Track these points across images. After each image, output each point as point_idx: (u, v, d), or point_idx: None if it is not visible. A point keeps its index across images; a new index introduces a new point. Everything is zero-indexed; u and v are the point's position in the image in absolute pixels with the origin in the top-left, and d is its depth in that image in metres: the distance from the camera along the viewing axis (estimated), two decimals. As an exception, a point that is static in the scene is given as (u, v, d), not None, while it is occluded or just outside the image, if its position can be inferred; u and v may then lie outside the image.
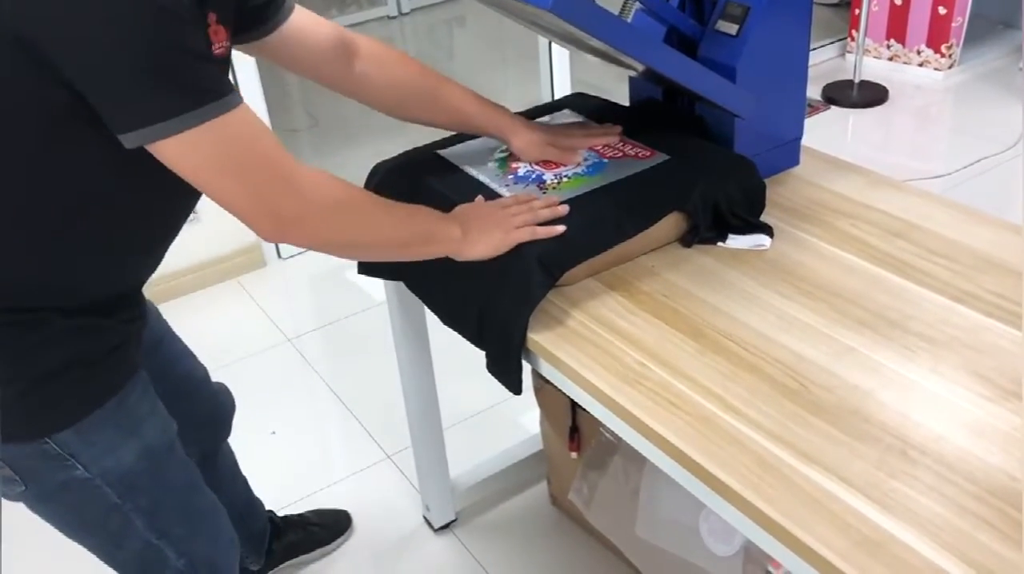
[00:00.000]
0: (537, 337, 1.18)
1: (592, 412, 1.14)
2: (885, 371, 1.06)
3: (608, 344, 1.16)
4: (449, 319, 1.34)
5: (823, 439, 0.98)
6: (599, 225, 1.25)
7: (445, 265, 1.32)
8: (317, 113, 4.09)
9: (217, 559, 1.33)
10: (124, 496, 1.17)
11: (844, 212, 1.39)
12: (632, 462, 1.54)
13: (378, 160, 1.50)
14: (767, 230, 1.34)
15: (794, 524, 0.89)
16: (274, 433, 2.18)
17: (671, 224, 1.32)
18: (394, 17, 4.99)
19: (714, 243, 1.33)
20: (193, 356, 1.50)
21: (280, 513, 1.86)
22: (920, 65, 3.71)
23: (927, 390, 1.04)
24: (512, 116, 1.44)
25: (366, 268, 1.51)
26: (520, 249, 1.20)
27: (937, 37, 3.61)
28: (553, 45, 3.35)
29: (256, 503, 1.76)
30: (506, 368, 1.23)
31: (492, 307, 1.23)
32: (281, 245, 2.90)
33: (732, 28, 1.37)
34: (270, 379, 2.38)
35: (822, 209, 1.40)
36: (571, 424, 1.65)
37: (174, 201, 1.15)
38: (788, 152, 1.51)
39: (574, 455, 1.66)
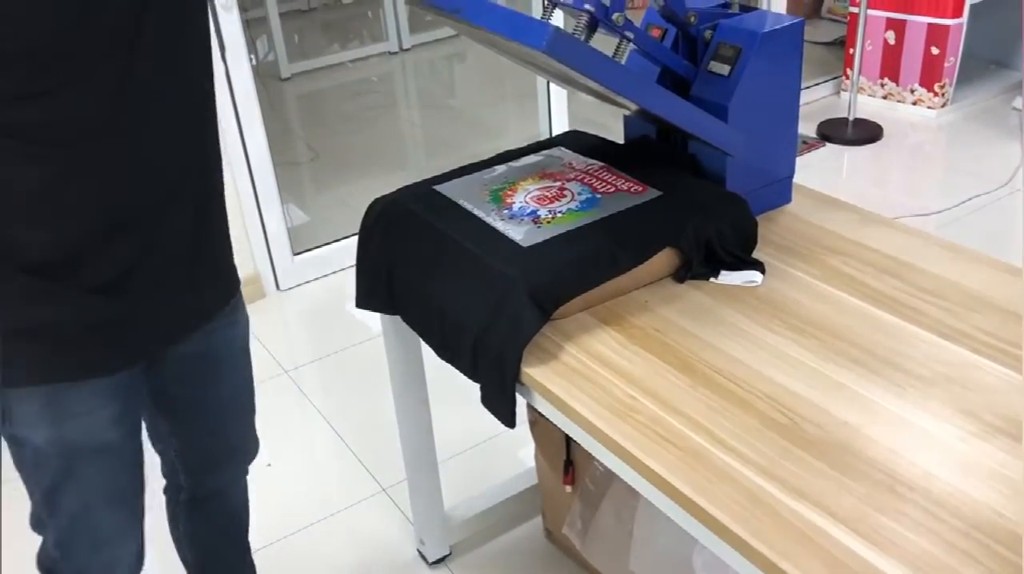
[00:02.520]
0: (531, 370, 1.20)
1: (584, 445, 1.15)
2: (875, 407, 1.08)
3: (600, 378, 1.17)
4: (444, 352, 1.35)
5: (812, 474, 0.99)
6: (593, 260, 1.27)
7: (441, 299, 1.34)
8: (318, 146, 4.13)
9: (89, 572, 1.27)
10: (33, 466, 1.17)
11: (836, 249, 1.41)
12: (626, 496, 1.55)
13: (378, 193, 1.52)
14: (759, 266, 1.35)
15: (783, 559, 0.90)
16: (270, 465, 2.18)
17: (664, 260, 1.34)
18: (395, 53, 5.06)
19: (706, 279, 1.35)
20: (244, 432, 1.43)
21: (275, 545, 1.85)
22: (914, 103, 3.75)
23: (916, 426, 1.05)
24: None
25: (364, 302, 1.53)
26: (514, 283, 1.22)
27: (930, 76, 3.66)
28: (551, 84, 3.39)
29: None
30: (500, 401, 1.24)
31: (486, 341, 1.24)
32: (280, 277, 2.92)
33: (724, 69, 1.40)
34: (266, 411, 2.36)
35: (814, 246, 1.42)
36: (565, 458, 1.66)
37: (77, 145, 1.02)
38: (780, 190, 1.53)
39: (568, 489, 1.66)
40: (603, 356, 1.21)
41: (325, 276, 2.97)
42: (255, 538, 1.94)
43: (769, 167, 1.49)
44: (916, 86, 3.72)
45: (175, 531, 1.55)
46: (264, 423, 2.35)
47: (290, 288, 2.93)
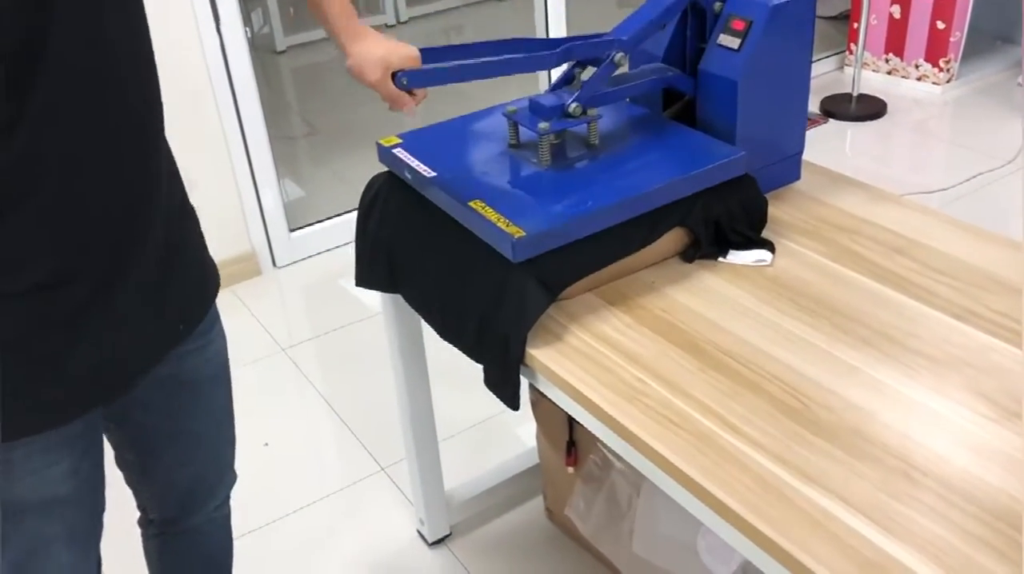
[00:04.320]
0: (536, 352, 1.17)
1: (590, 429, 1.13)
2: (887, 390, 1.05)
3: (607, 360, 1.14)
4: (446, 333, 1.32)
5: (824, 459, 0.97)
6: (600, 240, 1.24)
7: (442, 279, 1.31)
8: (315, 121, 4.08)
9: None
10: None
11: (845, 228, 1.38)
12: (630, 478, 1.53)
13: (376, 169, 1.49)
14: (768, 246, 1.33)
15: (794, 545, 0.88)
16: (267, 445, 2.16)
17: (672, 239, 1.31)
18: (392, 26, 4.99)
19: (715, 259, 1.32)
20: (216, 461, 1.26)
21: (272, 525, 1.84)
22: (918, 79, 3.71)
23: (929, 410, 1.03)
24: (366, 28, 1.24)
25: (363, 280, 1.50)
26: (519, 264, 1.19)
27: (935, 51, 3.62)
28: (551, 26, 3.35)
29: None
30: (504, 383, 1.21)
31: (490, 322, 1.21)
32: (277, 253, 2.89)
33: (734, 42, 1.36)
34: (264, 389, 2.36)
35: (823, 225, 1.39)
36: (568, 438, 1.64)
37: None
38: (789, 167, 1.50)
39: (571, 470, 1.65)
40: (610, 338, 1.18)
41: (322, 253, 2.94)
42: (252, 519, 1.93)
43: (778, 144, 1.46)
44: (921, 61, 3.67)
45: (150, 567, 1.37)
46: (261, 402, 2.35)
47: (287, 265, 2.90)
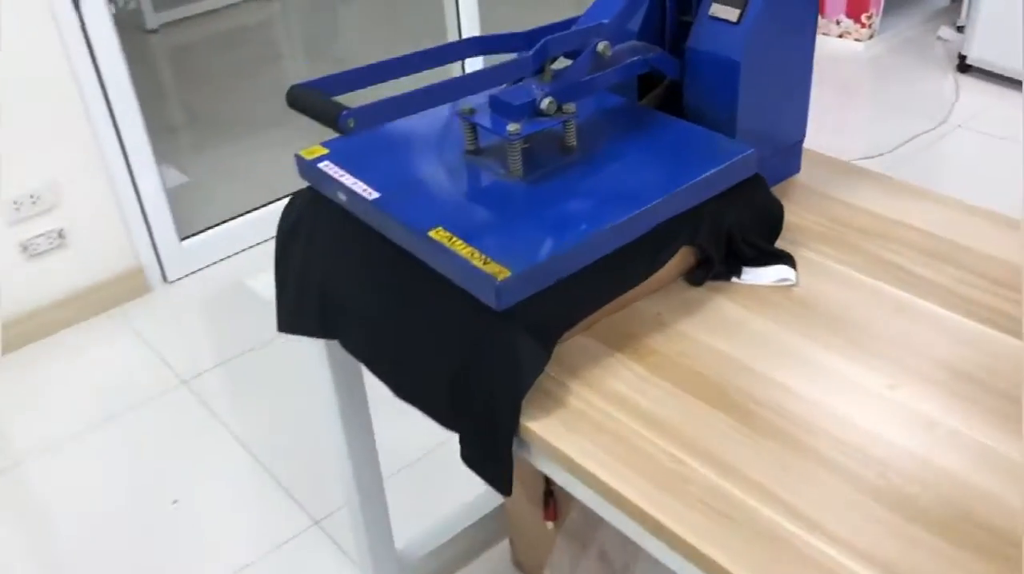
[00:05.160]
0: (533, 424, 0.91)
1: (615, 525, 0.88)
2: (992, 457, 0.84)
3: (627, 430, 0.90)
4: (405, 394, 1.05)
5: (935, 558, 0.75)
6: (598, 271, 0.99)
7: (399, 327, 1.03)
8: (196, 108, 3.67)
9: None
10: None
11: (869, 230, 1.16)
12: (621, 540, 1.30)
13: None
14: (787, 259, 1.10)
15: None
16: (176, 502, 1.84)
17: (676, 259, 1.07)
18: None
19: (728, 279, 1.09)
20: None
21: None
22: (840, 36, 3.58)
23: (1042, 474, 0.82)
24: None
25: (288, 325, 1.21)
26: (504, 313, 0.93)
27: (857, 6, 3.48)
28: (462, 14, 3.06)
29: None
30: (491, 462, 0.95)
31: (468, 384, 0.95)
32: (167, 266, 2.53)
33: (731, 13, 1.12)
34: (165, 434, 2.02)
35: (843, 228, 1.17)
36: (546, 489, 1.39)
37: None
38: (790, 158, 1.27)
39: (550, 525, 1.40)
40: (624, 397, 0.93)
41: (220, 261, 2.59)
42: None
43: (779, 132, 1.23)
44: (842, 17, 3.54)
45: None
46: (164, 450, 2.02)
47: (180, 278, 2.54)
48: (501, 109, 1.06)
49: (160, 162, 2.45)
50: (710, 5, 1.14)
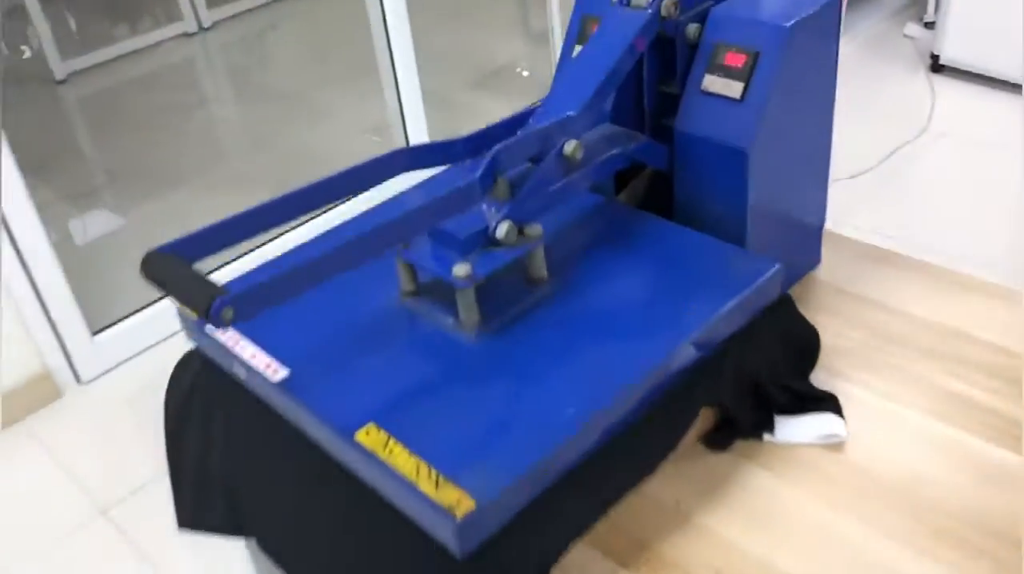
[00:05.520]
0: None
1: None
2: None
3: None
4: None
5: None
6: (594, 469, 0.72)
7: (331, 539, 0.77)
8: (115, 167, 3.35)
9: None
10: None
11: (922, 346, 0.92)
12: None
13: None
14: (832, 405, 0.85)
15: None
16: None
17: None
18: (194, 33, 4.25)
19: (758, 436, 0.83)
20: None
21: None
22: (801, 41, 3.36)
23: None
24: None
25: (189, 521, 0.94)
26: (470, 561, 0.66)
27: (817, 9, 3.27)
28: (395, 52, 2.79)
29: None
30: None
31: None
32: (79, 365, 2.22)
33: (732, 88, 0.86)
34: (82, 579, 1.72)
35: (887, 344, 0.93)
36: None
37: None
38: (807, 249, 1.03)
39: None
40: (644, 654, 0.68)
41: (142, 352, 2.28)
42: None
43: (795, 221, 0.98)
44: (803, 22, 3.32)
45: None
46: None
47: (95, 378, 2.22)
48: (446, 242, 0.80)
49: (63, 239, 2.15)
50: (701, 76, 0.88)
